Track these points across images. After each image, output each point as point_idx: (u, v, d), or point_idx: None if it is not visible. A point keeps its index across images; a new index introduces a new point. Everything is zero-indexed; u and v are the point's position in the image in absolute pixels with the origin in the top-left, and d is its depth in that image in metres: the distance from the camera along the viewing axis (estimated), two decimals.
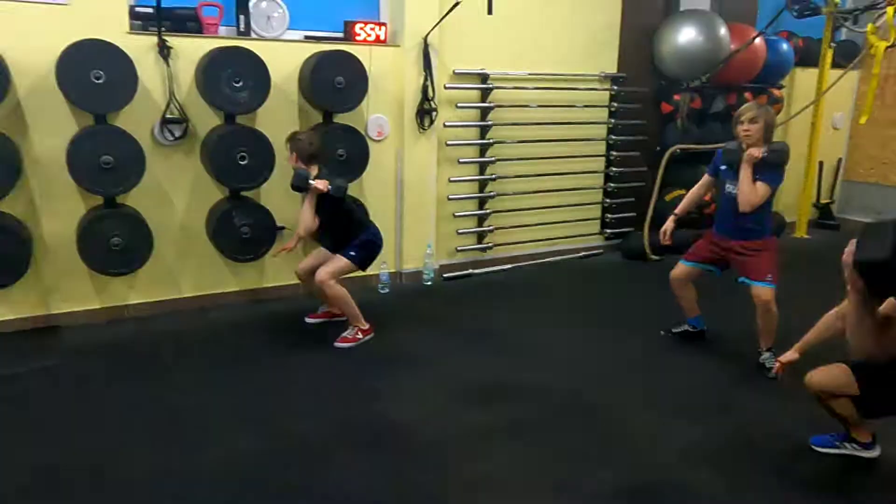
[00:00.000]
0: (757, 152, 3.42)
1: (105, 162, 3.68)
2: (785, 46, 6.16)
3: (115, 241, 3.81)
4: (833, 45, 6.50)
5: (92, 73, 3.59)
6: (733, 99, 6.11)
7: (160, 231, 4.08)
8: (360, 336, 3.87)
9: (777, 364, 2.86)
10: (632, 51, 5.73)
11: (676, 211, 3.88)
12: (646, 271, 5.56)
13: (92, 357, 3.68)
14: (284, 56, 4.30)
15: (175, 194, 4.21)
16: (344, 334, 3.87)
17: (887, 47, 4.48)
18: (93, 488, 2.55)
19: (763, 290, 3.52)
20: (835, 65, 6.50)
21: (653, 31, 5.73)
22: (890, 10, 4.27)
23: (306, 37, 4.53)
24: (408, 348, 3.89)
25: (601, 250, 6.01)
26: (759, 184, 3.45)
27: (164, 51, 3.92)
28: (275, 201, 4.39)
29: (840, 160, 7.52)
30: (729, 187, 3.60)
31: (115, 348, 3.81)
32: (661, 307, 4.56)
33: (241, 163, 4.04)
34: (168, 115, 4.00)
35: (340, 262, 3.80)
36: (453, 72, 4.96)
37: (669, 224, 3.84)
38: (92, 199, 3.91)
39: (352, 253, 3.81)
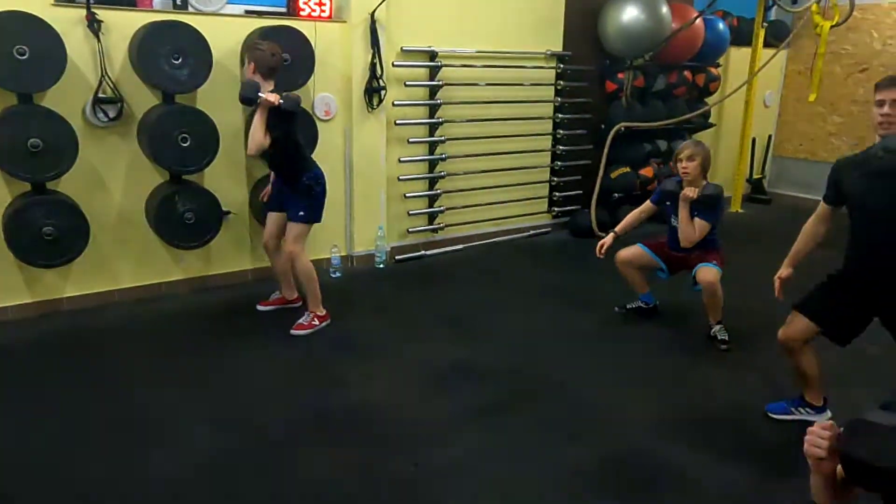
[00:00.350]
0: (692, 193, 3.59)
1: (33, 145, 3.42)
2: (721, 25, 6.31)
3: (47, 231, 3.55)
4: (765, 24, 6.72)
5: (15, 48, 3.31)
6: (674, 77, 6.24)
7: (96, 218, 3.84)
8: (316, 323, 3.76)
9: (777, 281, 2.92)
10: (576, 29, 5.74)
11: (616, 229, 3.96)
12: (594, 248, 5.61)
13: (25, 355, 3.44)
14: (225, 31, 4.08)
15: (111, 179, 3.96)
16: (300, 321, 3.75)
17: (832, 26, 4.63)
18: (34, 500, 2.38)
19: (710, 270, 3.62)
20: (765, 44, 6.72)
21: (597, 10, 5.75)
22: None
23: (247, 11, 4.32)
24: (366, 334, 3.81)
25: (549, 229, 6.06)
26: (697, 221, 3.63)
27: (93, 25, 3.64)
28: (220, 184, 4.20)
29: (770, 137, 7.82)
30: (674, 221, 3.75)
31: (50, 345, 3.57)
32: (612, 284, 4.62)
33: (183, 144, 3.82)
34: (101, 95, 3.74)
35: (295, 228, 3.67)
36: (401, 49, 4.84)
37: (608, 239, 3.89)
38: (19, 185, 3.63)
39: (300, 213, 3.65)
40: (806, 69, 7.28)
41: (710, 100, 6.67)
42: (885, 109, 2.44)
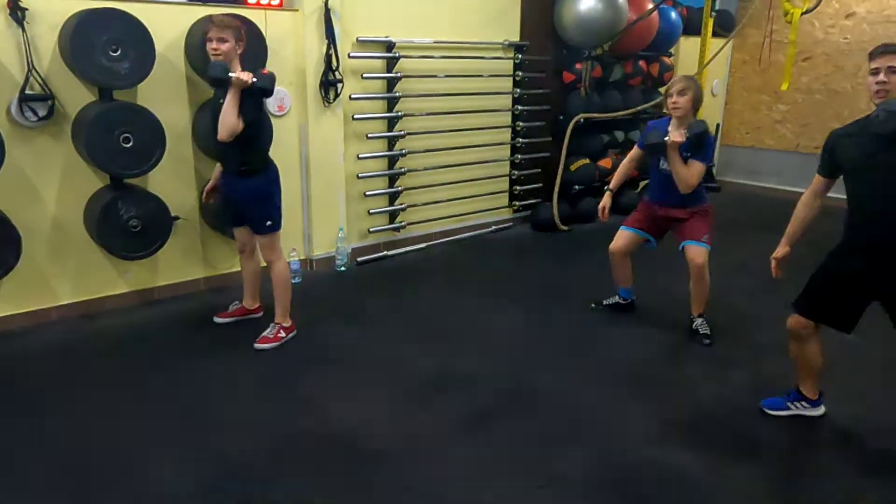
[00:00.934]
0: (679, 137, 3.40)
1: None
2: (674, 15, 6.31)
3: None
4: (713, 14, 6.76)
5: None
6: (630, 67, 6.19)
7: (28, 229, 3.46)
8: (282, 335, 3.49)
9: (773, 262, 2.80)
10: (533, 19, 5.60)
11: (610, 186, 3.83)
12: (558, 242, 5.54)
13: None
14: (167, 20, 3.74)
15: (44, 185, 3.57)
16: (264, 334, 3.48)
17: (803, 13, 4.63)
18: None
19: (699, 251, 3.53)
20: (713, 33, 6.76)
21: None
22: None
23: None
24: (335, 344, 3.57)
25: (511, 223, 5.92)
26: (692, 162, 3.44)
27: (17, 13, 3.26)
28: (167, 187, 3.87)
29: (718, 125, 7.92)
30: (664, 164, 3.55)
31: None
32: (582, 279, 4.56)
33: (125, 145, 3.48)
34: (28, 92, 3.35)
35: (266, 238, 3.43)
36: (357, 39, 4.58)
37: (606, 200, 3.77)
38: None
39: (268, 224, 3.40)
40: (752, 58, 7.44)
41: (663, 90, 6.66)
42: (881, 77, 2.38)
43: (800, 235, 2.78)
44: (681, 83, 3.44)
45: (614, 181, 3.84)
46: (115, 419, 2.81)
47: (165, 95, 3.80)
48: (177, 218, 3.90)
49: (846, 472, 2.55)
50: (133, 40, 3.42)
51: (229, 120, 3.03)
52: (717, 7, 7.15)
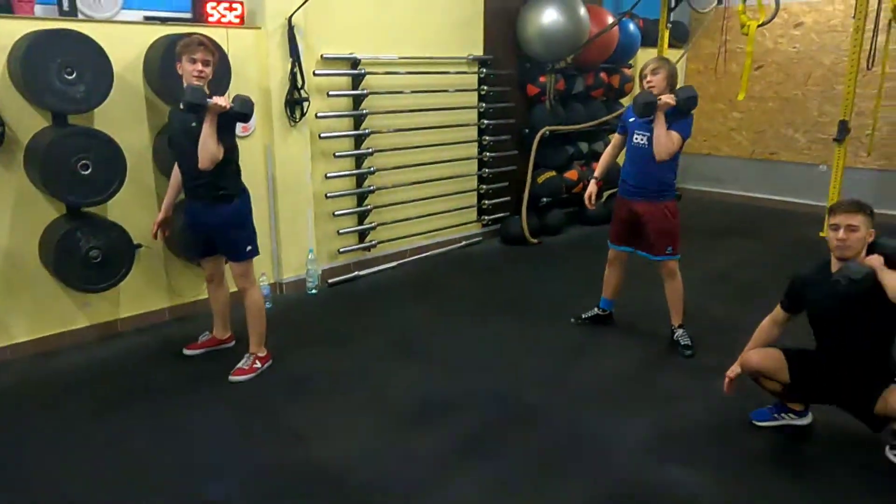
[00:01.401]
0: (671, 100, 3.37)
1: None
2: (632, 27, 6.40)
3: None
4: (668, 25, 6.88)
5: None
6: (591, 80, 6.24)
7: None
8: (258, 365, 3.35)
9: (727, 380, 2.82)
10: (496, 33, 5.60)
11: (596, 174, 3.86)
12: (528, 256, 5.52)
13: None
14: (124, 40, 3.58)
15: None
16: (239, 365, 3.33)
17: (759, 25, 4.73)
18: None
19: (668, 265, 3.62)
20: (668, 44, 6.89)
21: (516, 12, 5.64)
22: None
23: (147, 17, 3.82)
24: (314, 371, 3.44)
25: (480, 238, 5.88)
26: (671, 132, 3.41)
27: None
28: (127, 214, 3.69)
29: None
30: (637, 138, 3.53)
31: None
32: (557, 292, 4.55)
33: (84, 172, 3.30)
34: None
35: (245, 265, 3.30)
36: (321, 56, 4.48)
37: (592, 187, 3.79)
38: None
39: (248, 249, 3.29)
40: (706, 68, 7.61)
41: (624, 101, 6.75)
42: (840, 234, 2.48)
43: None
44: (653, 63, 3.46)
45: (598, 170, 3.88)
46: (82, 467, 2.63)
47: (124, 119, 3.64)
48: (139, 246, 3.72)
49: (836, 481, 2.56)
50: (89, 62, 3.25)
51: (210, 148, 2.92)
52: (671, 19, 7.30)
